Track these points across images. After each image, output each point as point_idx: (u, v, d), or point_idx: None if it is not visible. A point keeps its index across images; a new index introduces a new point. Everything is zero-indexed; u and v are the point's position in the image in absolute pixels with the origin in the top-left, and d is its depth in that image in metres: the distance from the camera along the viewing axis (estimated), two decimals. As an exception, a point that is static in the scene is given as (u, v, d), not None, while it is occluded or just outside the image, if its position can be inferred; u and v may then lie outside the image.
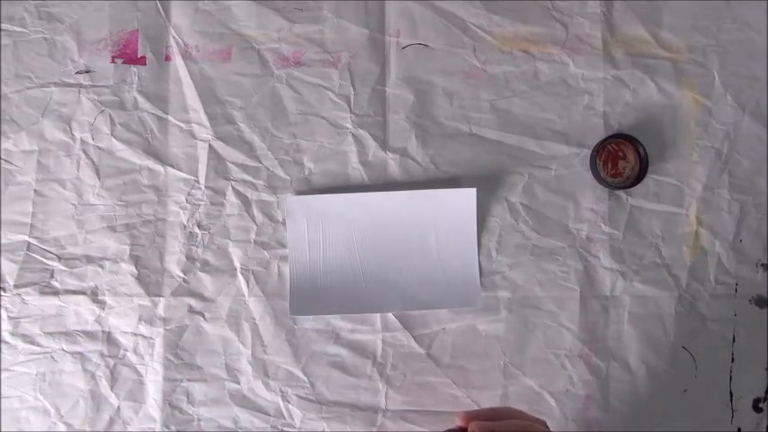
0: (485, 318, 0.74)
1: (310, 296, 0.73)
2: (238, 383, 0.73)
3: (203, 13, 0.75)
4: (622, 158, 0.75)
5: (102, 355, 0.72)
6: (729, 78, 0.76)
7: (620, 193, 0.75)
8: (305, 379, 0.73)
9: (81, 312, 0.72)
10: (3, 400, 0.71)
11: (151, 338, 0.73)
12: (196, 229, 0.74)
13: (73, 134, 0.74)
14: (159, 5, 0.75)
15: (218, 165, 0.74)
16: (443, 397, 0.73)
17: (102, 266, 0.73)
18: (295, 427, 0.72)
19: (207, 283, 0.73)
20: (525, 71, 0.76)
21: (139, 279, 0.73)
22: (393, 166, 0.75)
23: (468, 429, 0.56)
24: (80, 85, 0.74)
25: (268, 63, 0.75)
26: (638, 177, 0.74)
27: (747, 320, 0.74)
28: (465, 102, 0.75)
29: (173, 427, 0.72)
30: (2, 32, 0.74)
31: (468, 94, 0.76)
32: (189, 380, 0.72)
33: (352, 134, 0.75)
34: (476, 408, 0.73)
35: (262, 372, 0.73)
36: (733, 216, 0.75)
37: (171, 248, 0.73)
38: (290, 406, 0.73)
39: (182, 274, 0.73)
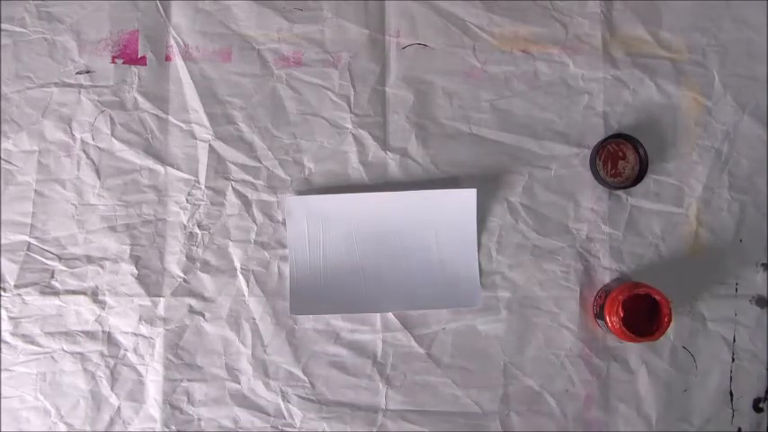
0: (485, 318, 0.74)
1: (310, 296, 0.73)
2: (238, 383, 0.73)
3: (203, 13, 0.75)
4: (622, 158, 0.75)
5: (102, 355, 0.72)
6: (729, 78, 0.76)
7: (620, 193, 0.75)
8: (305, 379, 0.73)
9: (81, 312, 0.72)
10: (3, 400, 0.71)
11: (151, 338, 0.73)
12: (196, 229, 0.74)
13: (73, 134, 0.74)
14: (159, 5, 0.75)
15: (218, 165, 0.74)
16: (443, 397, 0.73)
17: (102, 266, 0.73)
18: (295, 427, 0.72)
19: (207, 283, 0.73)
20: (525, 71, 0.76)
21: (140, 279, 0.73)
22: (393, 166, 0.75)
23: None
24: (80, 86, 0.74)
25: (268, 63, 0.75)
26: (638, 177, 0.74)
27: (747, 320, 0.74)
28: (465, 102, 0.75)
29: (173, 427, 0.72)
30: (2, 32, 0.74)
31: (468, 94, 0.75)
32: (189, 380, 0.72)
33: (352, 134, 0.75)
34: (475, 408, 0.73)
35: (262, 372, 0.73)
36: (733, 216, 0.75)
37: (171, 248, 0.73)
38: (290, 406, 0.73)
39: (182, 274, 0.73)
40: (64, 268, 0.73)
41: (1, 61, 0.74)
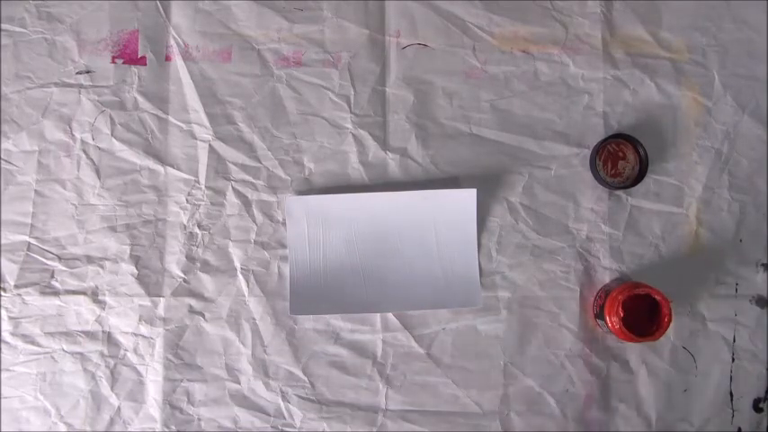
0: (485, 318, 0.74)
1: (310, 296, 0.73)
2: (238, 383, 0.73)
3: (203, 13, 0.75)
4: (622, 158, 0.75)
5: (102, 355, 0.72)
6: (729, 78, 0.76)
7: (620, 193, 0.75)
8: (305, 379, 0.73)
9: (81, 312, 0.72)
10: (3, 400, 0.71)
11: (151, 338, 0.73)
12: (196, 230, 0.74)
13: (73, 134, 0.74)
14: (159, 5, 0.75)
15: (218, 165, 0.74)
16: (443, 397, 0.73)
17: (102, 266, 0.73)
18: (295, 427, 0.72)
19: (207, 283, 0.73)
20: (525, 71, 0.76)
21: (140, 279, 0.73)
22: (393, 166, 0.75)
23: None
24: (80, 86, 0.74)
25: (268, 63, 0.75)
26: (638, 177, 0.74)
27: (747, 320, 0.74)
28: (465, 102, 0.75)
29: (173, 427, 0.72)
30: (2, 32, 0.74)
31: (468, 94, 0.76)
32: (189, 380, 0.72)
33: (352, 134, 0.75)
34: (475, 408, 0.73)
35: (262, 372, 0.73)
36: (733, 216, 0.75)
37: (171, 248, 0.73)
38: (290, 406, 0.73)
39: (182, 274, 0.73)
40: (64, 268, 0.73)
41: (1, 61, 0.74)
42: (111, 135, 0.74)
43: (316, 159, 0.75)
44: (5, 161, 0.73)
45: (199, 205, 0.74)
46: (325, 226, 0.73)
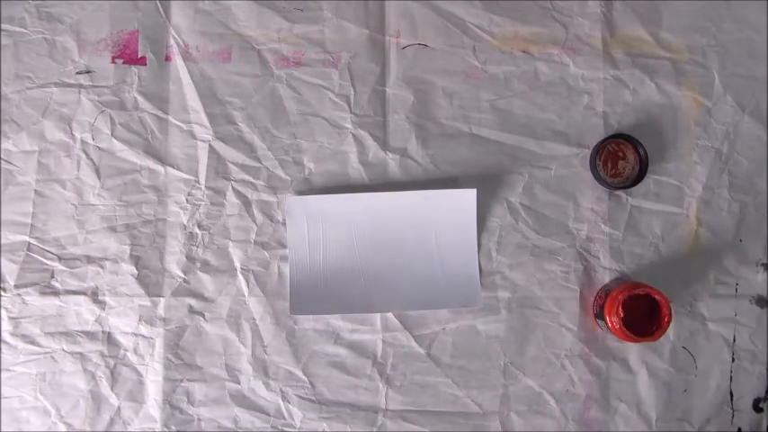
0: (485, 318, 0.74)
1: (310, 296, 0.73)
2: (238, 383, 0.73)
3: (203, 13, 0.75)
4: (622, 158, 0.75)
5: (102, 355, 0.72)
6: (729, 78, 0.76)
7: (620, 193, 0.75)
8: (305, 379, 0.73)
9: (81, 313, 0.72)
10: (3, 400, 0.71)
11: (151, 338, 0.73)
12: (196, 230, 0.74)
13: (73, 134, 0.74)
14: (159, 5, 0.75)
15: (218, 165, 0.74)
16: (443, 397, 0.73)
17: (102, 267, 0.73)
18: (295, 428, 0.72)
19: (207, 283, 0.73)
20: (525, 71, 0.76)
21: (140, 279, 0.73)
22: (393, 166, 0.75)
23: None
24: (80, 86, 0.74)
25: (268, 63, 0.75)
26: (638, 177, 0.74)
27: (747, 320, 0.74)
28: (465, 102, 0.75)
29: (173, 427, 0.72)
30: (2, 32, 0.74)
31: (468, 94, 0.76)
32: (189, 380, 0.72)
33: (352, 134, 0.75)
34: (475, 408, 0.73)
35: (262, 372, 0.73)
36: (733, 216, 0.75)
37: (171, 248, 0.73)
38: (290, 406, 0.73)
39: (182, 275, 0.73)
40: (64, 268, 0.73)
41: (1, 61, 0.74)
42: (111, 135, 0.74)
43: (316, 159, 0.75)
44: (5, 161, 0.73)
45: (199, 205, 0.74)
46: (325, 226, 0.73)
